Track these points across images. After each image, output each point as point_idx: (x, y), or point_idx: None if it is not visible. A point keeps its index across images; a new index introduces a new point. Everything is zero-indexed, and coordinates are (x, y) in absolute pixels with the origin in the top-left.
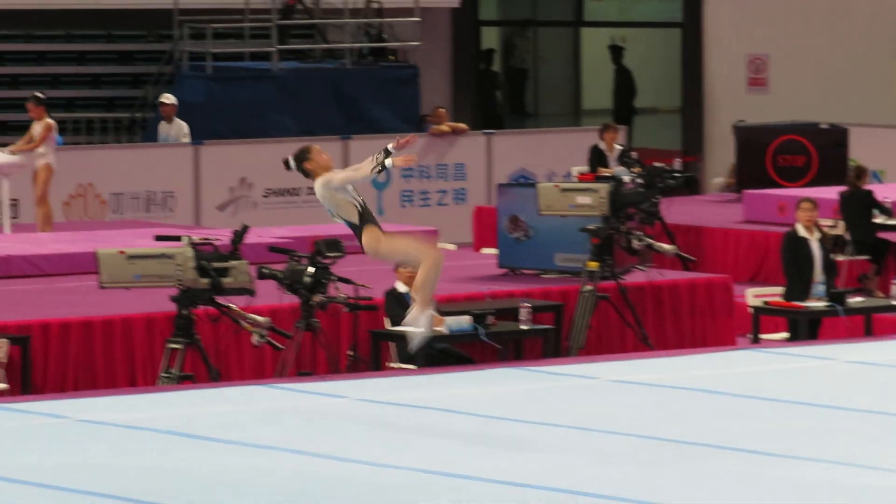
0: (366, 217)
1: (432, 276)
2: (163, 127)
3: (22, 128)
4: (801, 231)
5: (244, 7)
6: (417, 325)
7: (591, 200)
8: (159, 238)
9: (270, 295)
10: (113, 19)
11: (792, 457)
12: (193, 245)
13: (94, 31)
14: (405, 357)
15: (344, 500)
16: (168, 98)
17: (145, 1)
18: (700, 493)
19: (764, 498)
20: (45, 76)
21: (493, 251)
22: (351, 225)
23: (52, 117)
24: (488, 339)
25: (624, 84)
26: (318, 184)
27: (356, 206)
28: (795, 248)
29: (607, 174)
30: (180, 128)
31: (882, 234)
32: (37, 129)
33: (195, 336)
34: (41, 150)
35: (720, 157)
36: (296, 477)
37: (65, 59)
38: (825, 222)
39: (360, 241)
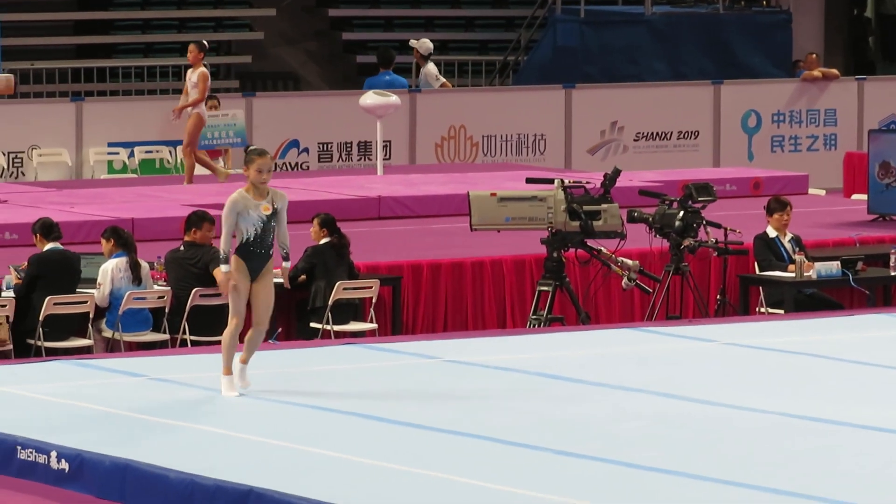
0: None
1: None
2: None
3: (397, 69)
4: None
5: None
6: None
7: None
8: (531, 181)
9: (640, 238)
10: None
11: None
12: (565, 188)
13: None
14: (774, 302)
15: (708, 443)
16: (412, 43)
17: None
18: None
19: None
20: (418, 19)
21: (863, 197)
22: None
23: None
24: (857, 284)
25: None
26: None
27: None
28: None
29: None
30: (426, 73)
31: None
32: (192, 77)
33: (565, 278)
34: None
35: None
36: (662, 419)
37: (439, 2)
38: None
39: None
